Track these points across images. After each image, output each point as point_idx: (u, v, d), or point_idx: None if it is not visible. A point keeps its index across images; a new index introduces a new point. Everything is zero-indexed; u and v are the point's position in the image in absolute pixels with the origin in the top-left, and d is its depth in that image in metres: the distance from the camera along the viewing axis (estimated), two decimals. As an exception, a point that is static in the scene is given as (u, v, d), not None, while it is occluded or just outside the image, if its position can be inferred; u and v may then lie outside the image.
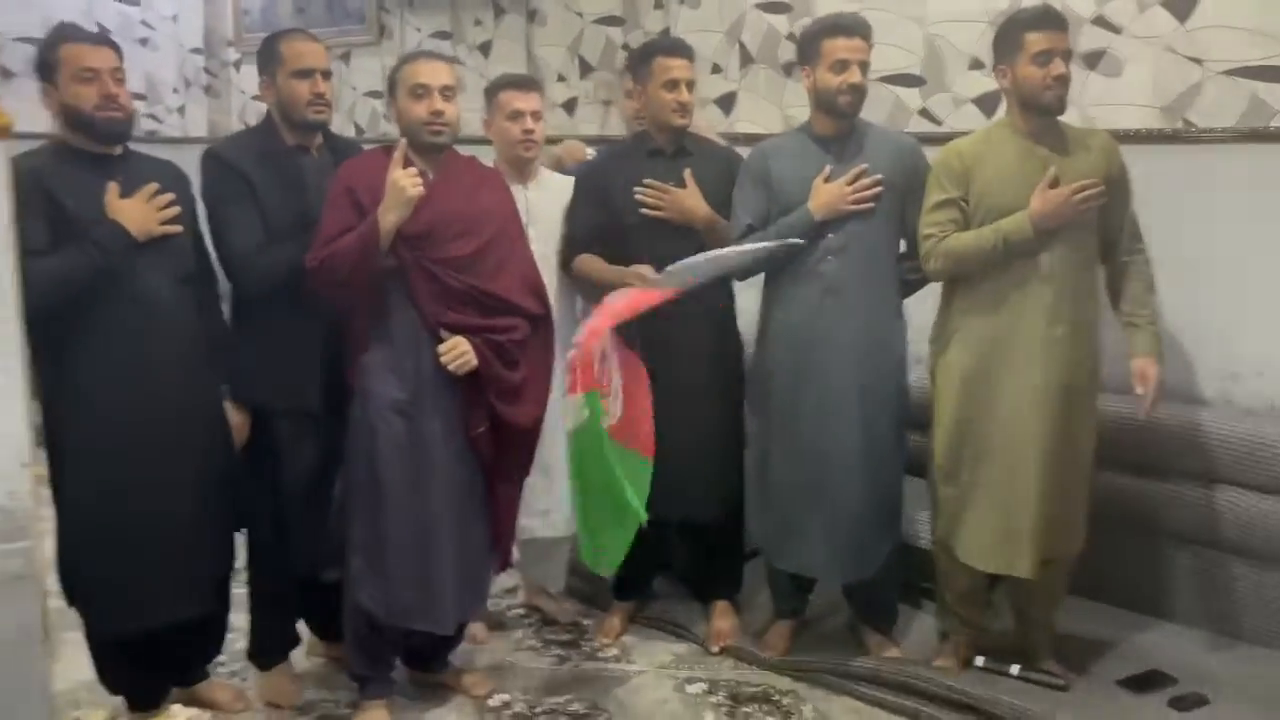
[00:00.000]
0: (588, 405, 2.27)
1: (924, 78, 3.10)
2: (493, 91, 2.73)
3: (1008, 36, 2.34)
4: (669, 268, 2.42)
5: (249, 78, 5.17)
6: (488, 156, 2.63)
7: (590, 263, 2.68)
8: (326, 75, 2.40)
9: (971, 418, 2.40)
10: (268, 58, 2.41)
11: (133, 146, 2.28)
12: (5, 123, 1.60)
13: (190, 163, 2.41)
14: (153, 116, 5.31)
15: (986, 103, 2.96)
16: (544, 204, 2.70)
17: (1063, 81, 2.28)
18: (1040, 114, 2.32)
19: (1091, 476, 2.43)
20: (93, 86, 2.11)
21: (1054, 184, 2.27)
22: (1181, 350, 2.70)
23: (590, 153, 3.10)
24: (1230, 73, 2.58)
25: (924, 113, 3.11)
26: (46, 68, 2.14)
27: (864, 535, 2.53)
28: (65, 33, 2.18)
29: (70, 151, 2.17)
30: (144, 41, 5.27)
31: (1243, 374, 2.66)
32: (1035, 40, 2.27)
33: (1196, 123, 2.66)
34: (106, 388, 2.16)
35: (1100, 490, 2.50)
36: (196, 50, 5.28)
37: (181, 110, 5.39)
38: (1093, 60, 2.79)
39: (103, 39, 2.19)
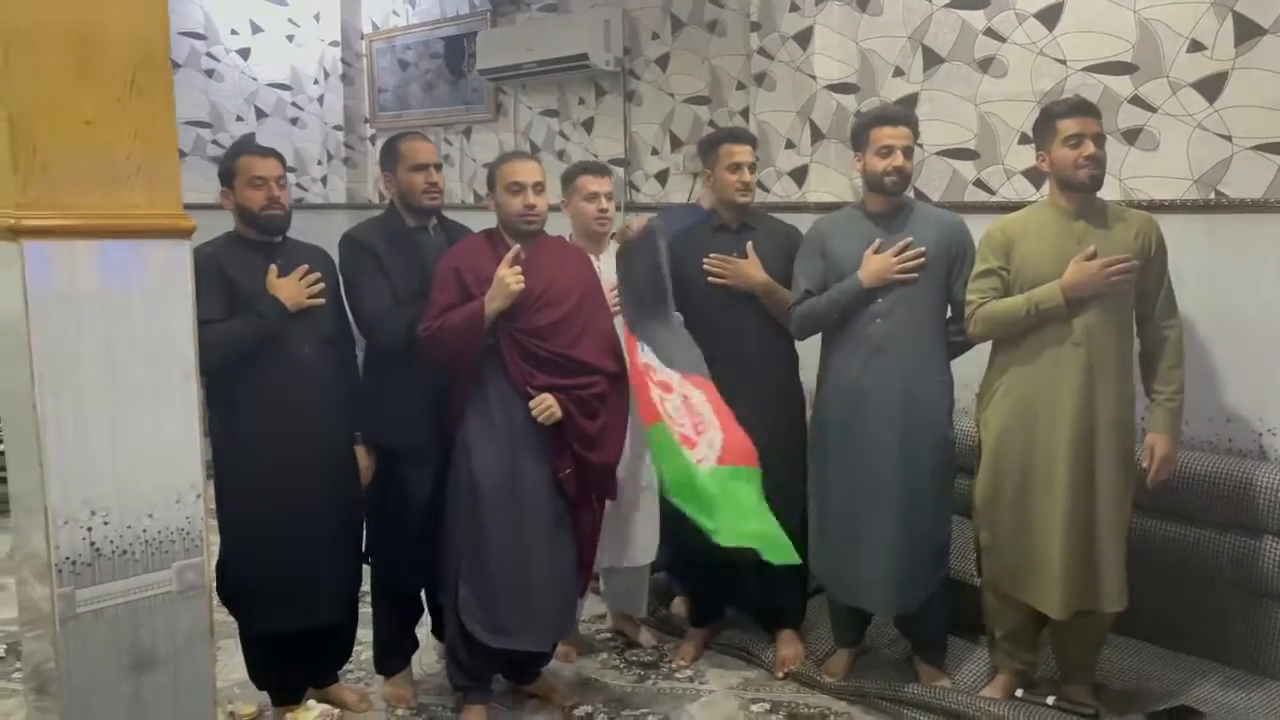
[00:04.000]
0: (654, 436, 2.65)
1: (978, 151, 3.37)
2: (570, 177, 3.10)
3: (1044, 125, 2.57)
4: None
5: (382, 151, 5.76)
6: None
7: None
8: (438, 167, 2.84)
9: (1006, 467, 2.61)
10: (389, 156, 2.87)
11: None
12: (191, 226, 2.02)
13: (331, 226, 2.85)
14: (300, 186, 5.94)
15: (1035, 175, 3.21)
16: (615, 272, 3.05)
17: (1095, 161, 2.48)
18: (1077, 191, 2.53)
19: (1126, 535, 2.55)
20: (261, 191, 2.60)
21: (1090, 257, 2.47)
22: (1221, 405, 2.88)
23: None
24: (1257, 148, 2.78)
25: (978, 183, 3.38)
26: (227, 175, 2.64)
27: (909, 572, 2.76)
28: (242, 147, 2.70)
29: (241, 240, 2.66)
30: (294, 120, 5.94)
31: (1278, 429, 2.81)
32: (1066, 125, 2.50)
33: (1227, 193, 2.85)
34: (262, 431, 2.61)
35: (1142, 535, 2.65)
36: (338, 127, 5.92)
37: (324, 180, 6.03)
38: (1131, 136, 3.01)
39: (271, 151, 2.67)
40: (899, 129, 2.74)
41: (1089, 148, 2.49)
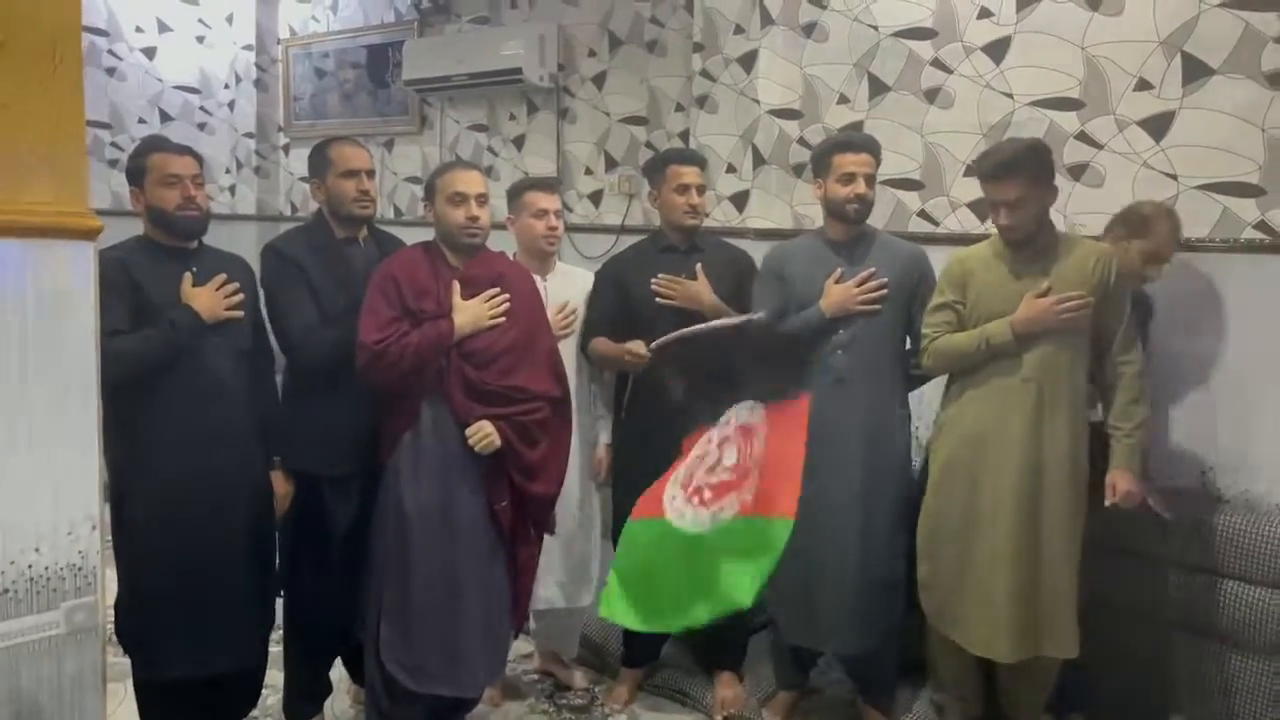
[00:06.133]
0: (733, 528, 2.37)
1: (923, 182, 3.34)
2: (517, 192, 2.97)
3: (978, 176, 2.53)
4: (655, 342, 2.68)
5: (296, 161, 5.51)
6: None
7: (601, 344, 2.90)
8: (370, 175, 2.66)
9: (950, 501, 2.55)
10: (318, 161, 2.68)
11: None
12: (97, 226, 1.82)
13: (240, 238, 2.65)
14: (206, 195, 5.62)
15: (980, 207, 3.19)
16: (562, 293, 2.93)
17: (1008, 230, 2.46)
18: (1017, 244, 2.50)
19: (1076, 579, 2.47)
20: (175, 190, 2.38)
21: (1043, 294, 2.44)
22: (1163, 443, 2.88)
23: None
24: (1203, 187, 2.80)
25: (923, 214, 3.34)
26: (136, 173, 2.41)
27: (866, 611, 2.67)
28: (154, 143, 2.48)
29: (152, 245, 2.43)
30: (202, 126, 5.63)
31: (1221, 466, 2.82)
32: (986, 190, 2.49)
33: (1173, 233, 2.86)
34: (169, 454, 2.37)
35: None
36: (249, 135, 5.63)
37: (233, 190, 5.72)
38: (1077, 172, 3.02)
39: (186, 149, 2.46)
40: (861, 156, 2.68)
41: (1003, 216, 2.47)
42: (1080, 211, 3.00)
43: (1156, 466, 2.77)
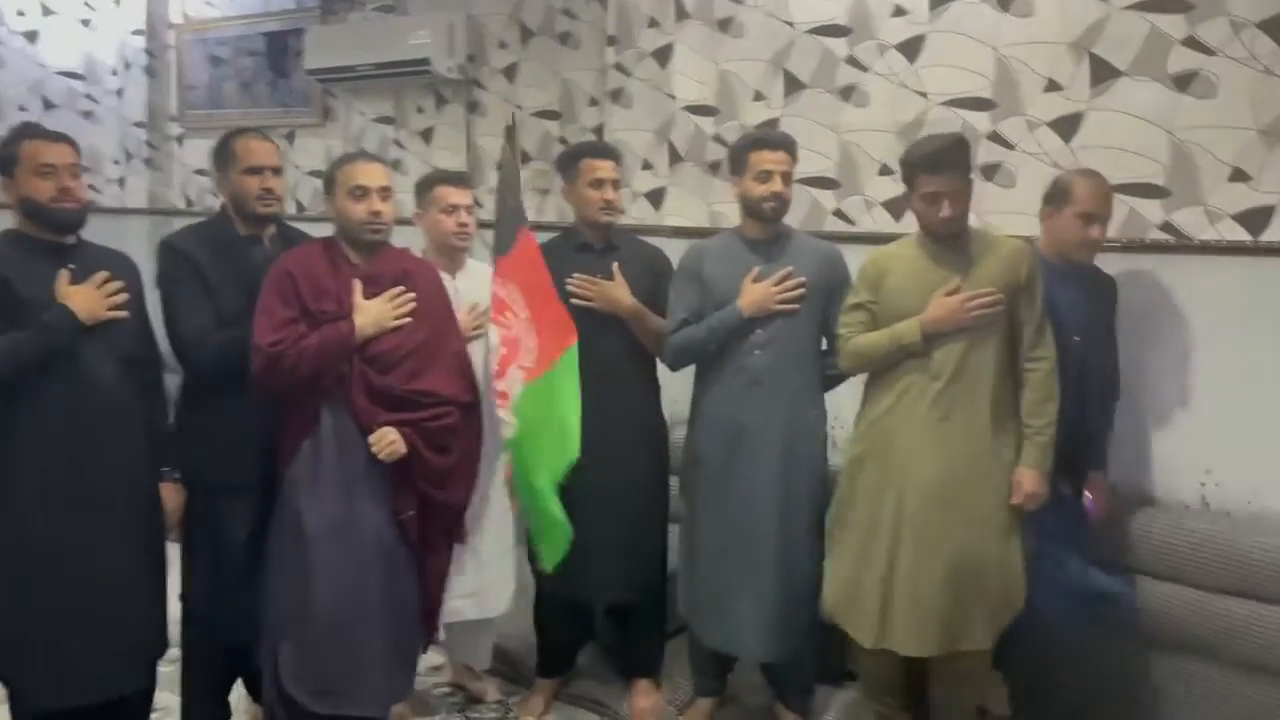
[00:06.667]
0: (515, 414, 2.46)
1: (839, 181, 3.32)
2: (427, 185, 2.86)
3: (907, 170, 2.49)
4: None
5: (190, 152, 5.25)
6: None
7: None
8: (277, 172, 2.52)
9: (856, 501, 2.53)
10: (222, 155, 2.52)
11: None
12: None
13: (129, 233, 2.49)
14: (93, 187, 5.33)
15: (895, 206, 3.18)
16: (473, 292, 2.82)
17: (949, 222, 2.42)
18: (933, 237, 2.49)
19: (996, 570, 2.44)
20: (50, 181, 2.20)
21: (953, 292, 2.43)
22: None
23: None
24: (1112, 189, 2.81)
25: (838, 213, 3.33)
26: (7, 162, 2.23)
27: (783, 615, 2.63)
28: (26, 130, 2.29)
29: (23, 239, 2.25)
30: (87, 114, 5.34)
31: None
32: (925, 182, 2.43)
33: (1082, 232, 2.89)
34: (45, 465, 2.20)
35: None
36: (139, 124, 5.36)
37: (121, 182, 5.44)
38: (989, 172, 3.03)
39: (61, 136, 2.28)
40: (778, 154, 2.64)
41: (946, 209, 2.43)
42: (993, 211, 3.02)
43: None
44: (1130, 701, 2.71)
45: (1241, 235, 2.67)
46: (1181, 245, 2.75)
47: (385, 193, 2.41)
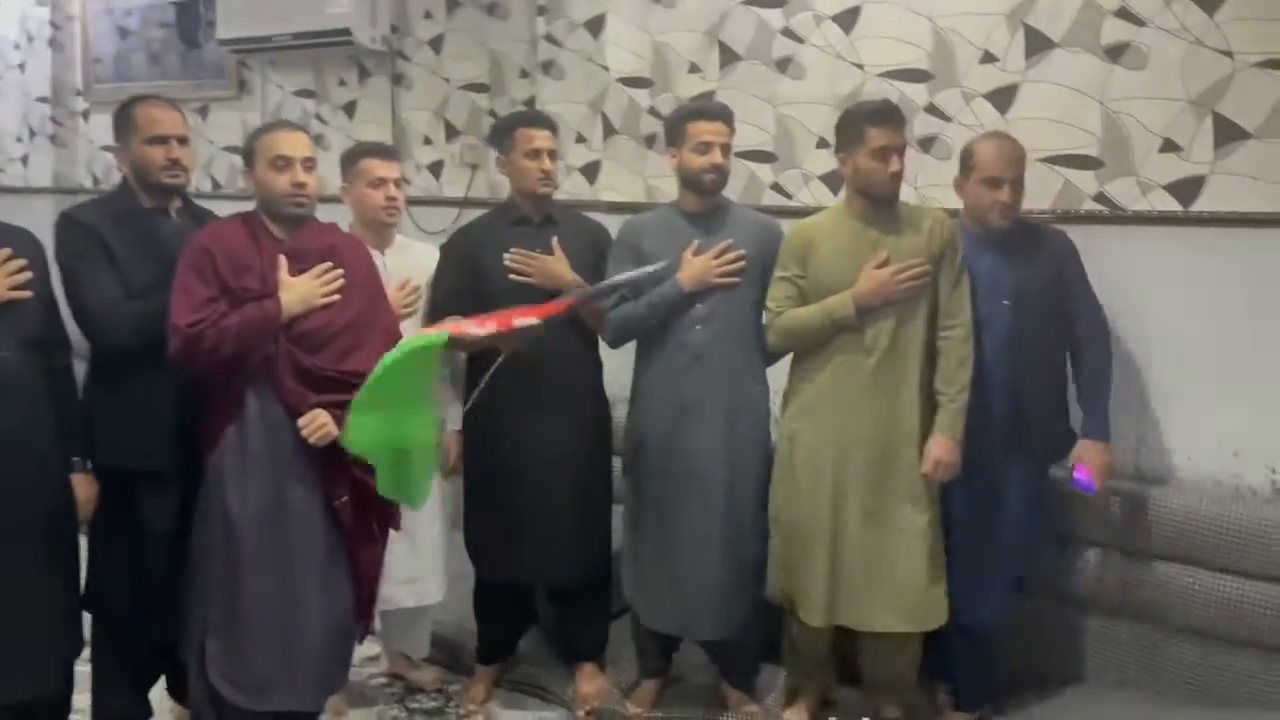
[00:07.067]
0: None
1: (776, 154, 3.28)
2: (353, 159, 2.75)
3: (849, 128, 2.48)
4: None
5: (98, 128, 5.01)
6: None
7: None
8: (183, 141, 2.38)
9: (796, 480, 2.51)
10: (122, 124, 2.38)
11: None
12: None
13: (33, 212, 2.35)
14: (-8, 166, 5.07)
15: (833, 180, 3.15)
16: (403, 270, 2.72)
17: (898, 177, 2.44)
18: (874, 201, 2.47)
19: (932, 551, 2.45)
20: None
21: (882, 264, 2.42)
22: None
23: None
24: (1046, 160, 2.83)
25: (776, 187, 3.29)
26: None
27: (729, 594, 2.60)
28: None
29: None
30: (-14, 88, 5.05)
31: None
32: (875, 135, 2.41)
33: (1017, 204, 2.90)
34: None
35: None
36: (43, 99, 5.08)
37: (25, 160, 5.17)
38: (926, 145, 3.02)
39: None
40: (716, 124, 2.59)
41: (895, 163, 2.43)
42: (931, 185, 3.01)
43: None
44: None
45: (1173, 205, 2.70)
46: (1115, 216, 2.77)
47: (309, 163, 2.30)
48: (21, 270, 2.14)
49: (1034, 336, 2.52)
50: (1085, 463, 2.52)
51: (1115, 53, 2.74)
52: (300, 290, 2.24)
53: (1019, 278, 2.51)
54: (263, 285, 2.23)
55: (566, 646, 3.00)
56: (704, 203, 2.63)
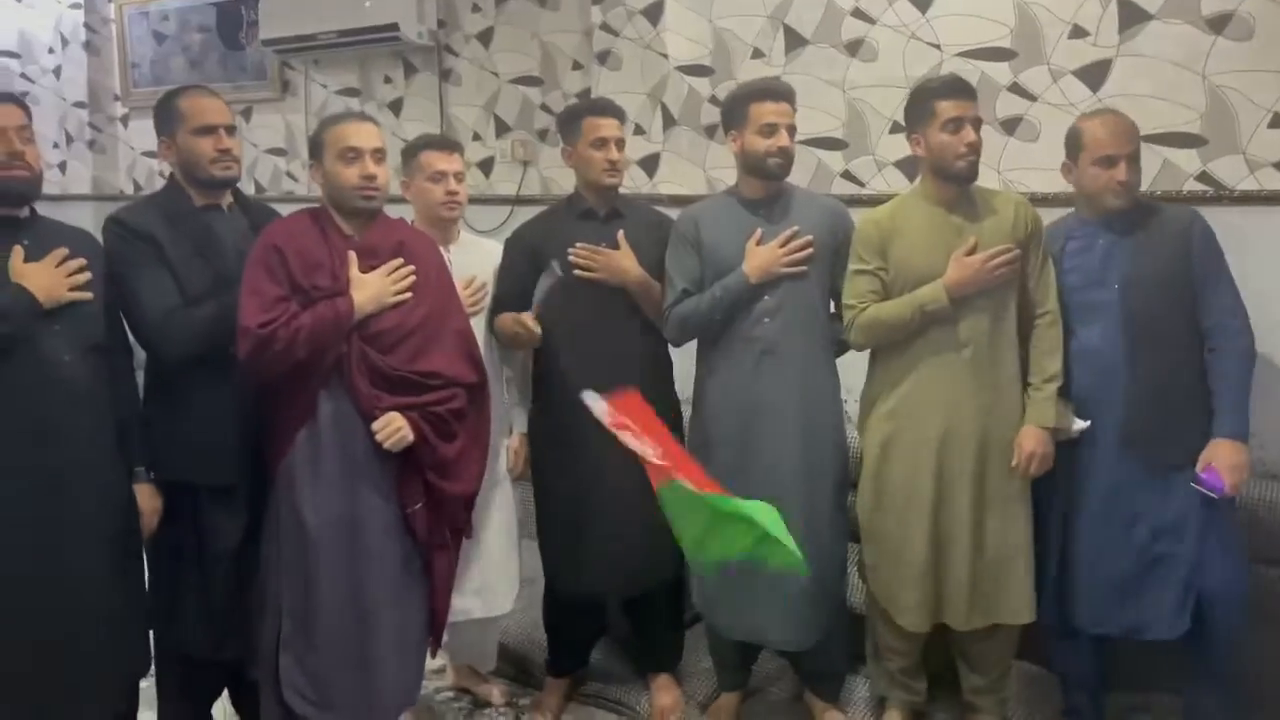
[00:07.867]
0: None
1: (847, 141, 3.15)
2: (413, 152, 2.64)
3: (918, 105, 2.35)
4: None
5: (137, 134, 4.94)
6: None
7: (502, 319, 2.59)
8: (230, 130, 2.27)
9: (890, 480, 2.39)
10: (166, 117, 2.27)
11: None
12: None
13: (72, 221, 2.24)
14: (31, 172, 5.00)
15: (908, 166, 3.02)
16: (468, 266, 2.61)
17: (974, 148, 2.30)
18: (953, 181, 2.33)
19: (1030, 543, 2.34)
20: (-2, 145, 1.94)
21: (970, 251, 2.28)
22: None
23: None
24: (1144, 139, 2.66)
25: (847, 175, 3.15)
26: None
27: (810, 599, 2.46)
28: (-35, 90, 2.02)
29: (-30, 213, 1.99)
30: (24, 95, 4.97)
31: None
32: (945, 108, 2.28)
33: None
34: (2, 464, 1.95)
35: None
36: (80, 104, 5.02)
37: (63, 167, 5.11)
38: (1010, 126, 2.87)
39: (8, 96, 2.03)
40: (781, 104, 2.44)
41: (969, 134, 2.29)
42: (1015, 168, 2.87)
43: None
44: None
45: (1284, 184, 2.54)
46: (1220, 196, 2.61)
47: (379, 155, 2.19)
48: (80, 270, 2.04)
49: (1152, 324, 2.33)
50: (1215, 463, 2.26)
51: (1217, 23, 2.58)
52: (372, 288, 2.13)
53: (1134, 261, 2.33)
54: (334, 283, 2.12)
55: (640, 658, 2.87)
56: (766, 189, 2.50)
